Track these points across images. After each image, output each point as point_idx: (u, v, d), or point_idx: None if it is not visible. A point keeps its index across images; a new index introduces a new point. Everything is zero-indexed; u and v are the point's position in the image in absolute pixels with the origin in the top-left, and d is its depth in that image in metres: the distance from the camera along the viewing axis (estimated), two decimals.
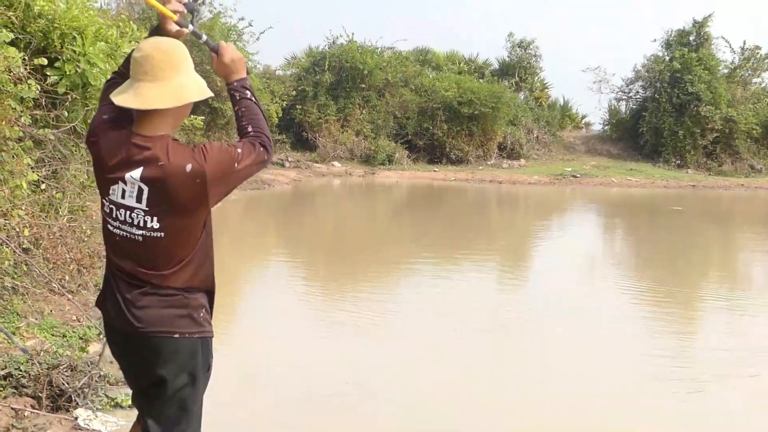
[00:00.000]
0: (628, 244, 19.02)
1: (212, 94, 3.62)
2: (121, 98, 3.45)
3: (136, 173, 3.39)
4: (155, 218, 3.41)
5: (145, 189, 3.39)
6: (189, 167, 3.40)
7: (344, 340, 8.41)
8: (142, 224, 3.42)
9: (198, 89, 3.53)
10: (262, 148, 3.60)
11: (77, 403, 5.57)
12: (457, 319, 9.66)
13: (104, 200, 3.51)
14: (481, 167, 36.57)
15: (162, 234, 3.42)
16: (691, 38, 41.62)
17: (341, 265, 13.78)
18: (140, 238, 3.44)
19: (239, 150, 3.52)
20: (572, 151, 41.20)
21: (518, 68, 43.34)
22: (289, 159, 33.12)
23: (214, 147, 3.49)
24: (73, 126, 8.82)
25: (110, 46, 9.34)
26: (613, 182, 35.21)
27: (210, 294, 3.66)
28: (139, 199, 3.40)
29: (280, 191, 26.88)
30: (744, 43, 43.01)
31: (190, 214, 3.44)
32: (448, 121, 36.72)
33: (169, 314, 3.47)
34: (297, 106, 35.15)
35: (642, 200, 29.85)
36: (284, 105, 32.44)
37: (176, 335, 3.46)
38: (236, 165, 3.51)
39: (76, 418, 5.39)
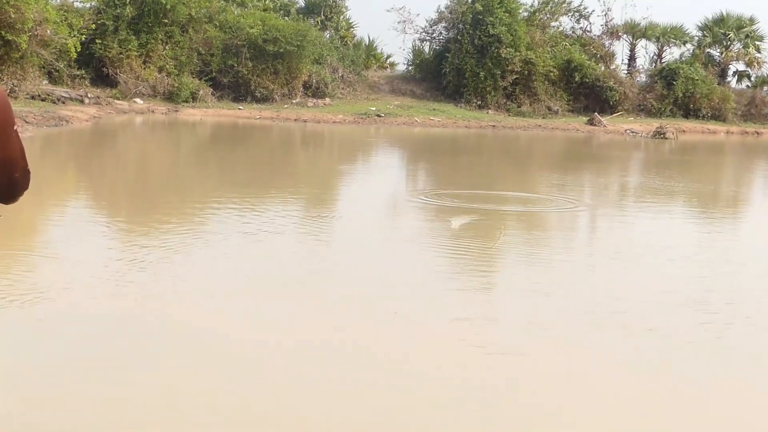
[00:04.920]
0: (432, 181, 19.38)
1: None
2: None
3: None
4: None
5: None
6: None
7: (159, 286, 8.21)
8: None
9: None
10: (28, 171, 3.41)
11: None
12: (270, 259, 9.65)
13: None
14: (286, 106, 36.49)
15: None
16: None
17: (147, 207, 13.49)
18: None
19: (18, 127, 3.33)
20: (377, 91, 41.55)
21: (324, 6, 43.29)
22: (89, 95, 32.08)
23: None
24: None
25: None
26: (416, 122, 35.79)
27: None
28: None
29: (80, 128, 26.06)
30: None
31: None
32: (253, 58, 36.42)
33: None
34: (97, 41, 34.03)
35: (444, 139, 30.46)
36: (83, 39, 31.42)
37: None
38: (16, 127, 3.34)
39: None
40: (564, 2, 45.01)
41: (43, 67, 30.55)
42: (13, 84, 26.76)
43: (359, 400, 5.50)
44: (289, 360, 6.15)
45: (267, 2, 42.10)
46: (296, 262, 9.46)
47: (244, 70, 36.36)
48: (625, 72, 47.25)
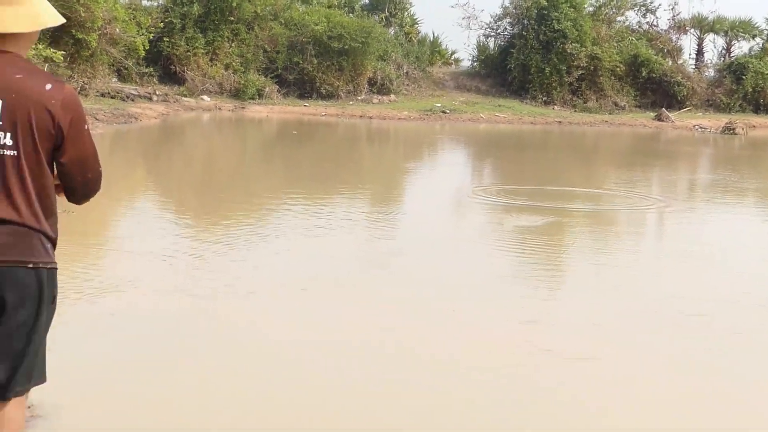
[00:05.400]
0: (498, 177, 19.26)
1: (65, 20, 3.54)
2: None
3: None
4: (8, 134, 3.23)
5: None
6: (49, 86, 3.29)
7: (214, 283, 8.24)
8: None
9: (53, 14, 3.42)
10: (100, 173, 3.54)
11: None
12: (327, 258, 9.66)
13: None
14: (351, 102, 36.55)
15: (15, 152, 3.24)
16: None
17: (212, 204, 13.60)
18: None
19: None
20: (442, 87, 41.40)
21: (388, 3, 43.25)
22: (157, 93, 32.45)
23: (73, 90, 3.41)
24: None
25: None
26: (482, 118, 35.65)
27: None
28: None
29: (148, 125, 26.38)
30: None
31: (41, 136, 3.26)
32: (318, 55, 36.51)
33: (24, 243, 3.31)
34: (164, 39, 34.38)
35: (510, 136, 30.32)
36: (151, 37, 31.74)
37: (30, 265, 3.27)
38: (86, 126, 3.44)
39: None
40: None
41: (113, 65, 30.92)
42: (83, 82, 27.13)
43: (396, 401, 5.46)
44: (340, 361, 6.13)
45: None
46: (356, 260, 9.45)
47: (309, 67, 36.48)
48: (693, 67, 46.53)
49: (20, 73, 3.28)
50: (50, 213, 3.39)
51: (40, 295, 3.32)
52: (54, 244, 3.43)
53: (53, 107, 3.26)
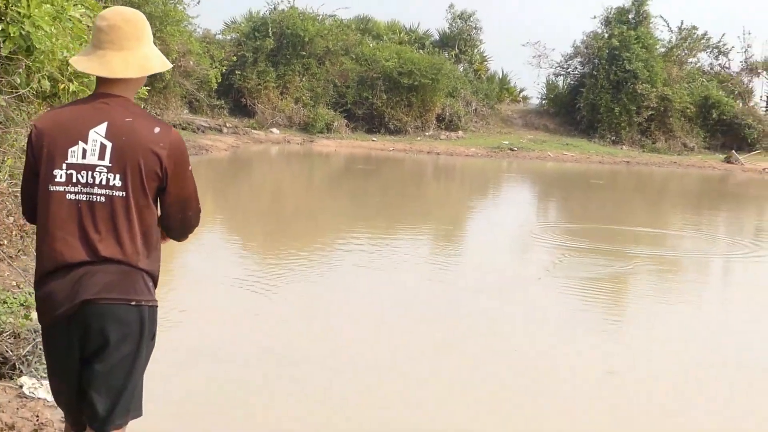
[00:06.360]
0: (558, 217, 19.21)
1: (171, 66, 3.70)
2: (85, 65, 3.46)
3: (101, 128, 3.37)
4: (118, 176, 3.34)
5: (109, 145, 3.35)
6: (157, 129, 3.42)
7: (279, 314, 8.44)
8: (104, 182, 3.34)
9: (161, 61, 3.58)
10: (199, 210, 3.75)
11: (21, 371, 5.49)
12: (393, 294, 9.78)
13: (56, 172, 3.35)
14: (419, 138, 36.74)
15: (123, 193, 3.35)
16: (630, 16, 41.99)
17: (278, 236, 13.81)
18: (102, 198, 3.34)
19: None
20: (510, 125, 41.46)
21: (458, 40, 43.49)
22: (227, 125, 32.98)
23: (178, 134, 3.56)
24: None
25: (56, 9, 9.22)
26: (549, 156, 35.61)
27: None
28: (102, 156, 3.34)
29: (218, 157, 26.78)
30: (681, 23, 43.91)
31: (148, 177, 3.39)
32: (388, 91, 36.82)
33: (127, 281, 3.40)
34: (236, 72, 34.98)
35: (575, 174, 30.21)
36: (223, 70, 32.26)
37: (133, 303, 3.38)
38: (189, 167, 3.57)
39: (21, 387, 5.31)
40: (703, 38, 44.18)
41: (185, 97, 31.46)
42: (156, 113, 27.62)
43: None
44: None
45: (402, 35, 42.57)
46: (408, 300, 9.52)
47: (378, 102, 36.79)
48: (764, 109, 45.98)
49: (130, 116, 3.42)
50: (153, 249, 3.51)
51: (141, 332, 3.44)
52: (155, 282, 3.55)
53: (160, 150, 3.39)
